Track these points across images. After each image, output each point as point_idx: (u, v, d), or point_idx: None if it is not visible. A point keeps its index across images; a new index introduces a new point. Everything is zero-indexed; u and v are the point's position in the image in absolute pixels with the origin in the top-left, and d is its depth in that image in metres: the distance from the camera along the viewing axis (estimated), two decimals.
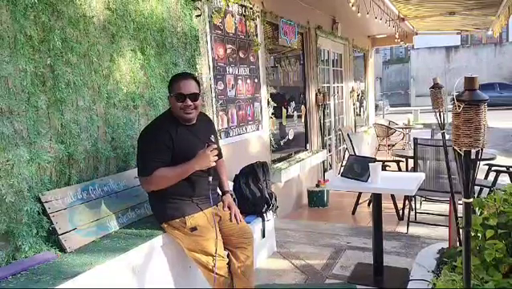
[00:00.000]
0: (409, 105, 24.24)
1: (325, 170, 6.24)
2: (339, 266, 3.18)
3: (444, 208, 4.30)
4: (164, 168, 2.13)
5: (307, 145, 5.91)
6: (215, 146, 2.18)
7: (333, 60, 7.04)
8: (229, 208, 2.46)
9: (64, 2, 2.18)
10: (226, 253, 2.33)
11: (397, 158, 5.28)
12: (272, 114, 4.65)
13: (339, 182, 3.03)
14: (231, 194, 2.57)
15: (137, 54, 2.70)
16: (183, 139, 2.22)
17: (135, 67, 2.68)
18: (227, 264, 2.29)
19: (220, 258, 2.23)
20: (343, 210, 5.07)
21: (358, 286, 2.82)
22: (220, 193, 2.52)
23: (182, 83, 2.23)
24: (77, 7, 2.27)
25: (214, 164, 2.17)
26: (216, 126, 3.51)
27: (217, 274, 2.21)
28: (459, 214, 2.36)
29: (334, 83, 7.06)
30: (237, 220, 2.44)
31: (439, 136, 3.83)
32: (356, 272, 3.05)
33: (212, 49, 3.60)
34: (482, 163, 4.02)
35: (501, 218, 1.74)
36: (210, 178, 2.20)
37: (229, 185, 2.68)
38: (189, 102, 2.20)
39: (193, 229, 2.20)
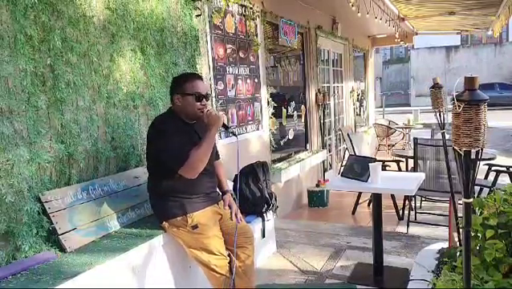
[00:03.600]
0: (409, 105, 24.25)
1: (325, 170, 6.24)
2: (339, 266, 3.18)
3: (444, 208, 4.31)
4: (192, 150, 2.13)
5: (307, 145, 5.91)
6: (210, 107, 2.30)
7: (333, 60, 7.04)
8: (230, 207, 2.47)
9: (64, 2, 2.18)
10: (227, 252, 2.33)
11: (397, 158, 5.29)
12: (272, 114, 4.65)
13: (339, 182, 3.03)
14: (231, 194, 2.57)
15: (137, 54, 2.70)
16: (191, 137, 2.25)
17: (135, 66, 2.68)
18: (228, 263, 2.29)
19: (221, 257, 2.24)
20: (343, 210, 5.07)
21: (358, 286, 2.83)
22: (220, 192, 2.53)
23: (198, 83, 2.28)
24: (77, 7, 2.27)
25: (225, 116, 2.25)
26: None
27: (218, 273, 2.21)
28: (459, 214, 2.36)
29: (334, 83, 7.06)
30: (237, 219, 2.45)
31: (439, 136, 3.83)
32: (356, 272, 3.05)
33: (212, 49, 3.60)
34: (482, 163, 4.02)
35: (501, 218, 1.73)
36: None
37: (230, 185, 2.69)
38: (205, 102, 2.27)
39: (195, 227, 2.21)
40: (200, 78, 2.34)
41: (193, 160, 2.11)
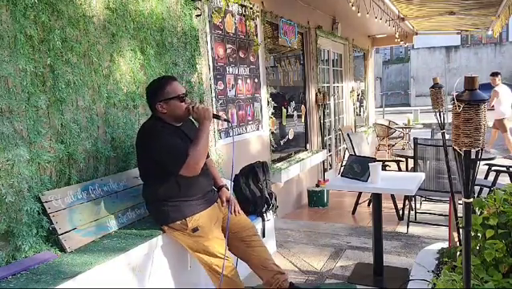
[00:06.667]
0: (409, 105, 24.24)
1: (325, 170, 6.24)
2: (339, 266, 3.18)
3: (445, 208, 4.31)
4: (191, 146, 2.13)
5: (307, 145, 5.91)
6: (190, 101, 2.30)
7: (333, 60, 7.04)
8: (228, 201, 2.47)
9: (64, 2, 2.18)
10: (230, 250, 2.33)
11: (397, 158, 5.28)
12: (272, 114, 4.65)
13: (339, 182, 3.03)
14: (227, 188, 2.57)
15: (137, 54, 2.70)
16: (183, 139, 2.24)
17: (135, 66, 2.68)
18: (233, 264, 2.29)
19: (223, 259, 2.23)
20: (343, 210, 5.07)
21: (358, 286, 2.83)
22: (216, 190, 2.52)
23: (175, 84, 2.26)
24: (77, 7, 2.27)
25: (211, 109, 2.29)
26: (216, 125, 3.52)
27: (220, 273, 2.20)
28: (459, 214, 2.36)
29: (334, 83, 7.06)
30: (235, 212, 2.44)
31: (439, 136, 3.83)
32: (356, 272, 3.05)
33: (212, 49, 3.60)
34: (482, 163, 4.02)
35: (501, 218, 1.74)
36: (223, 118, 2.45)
37: (229, 185, 2.69)
38: (188, 100, 2.28)
39: (195, 229, 2.20)
40: (175, 79, 2.32)
41: (193, 156, 2.09)
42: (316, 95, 5.99)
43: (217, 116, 2.38)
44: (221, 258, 2.21)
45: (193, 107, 2.23)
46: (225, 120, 2.52)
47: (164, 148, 2.14)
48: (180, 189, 2.20)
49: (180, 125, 2.31)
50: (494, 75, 8.36)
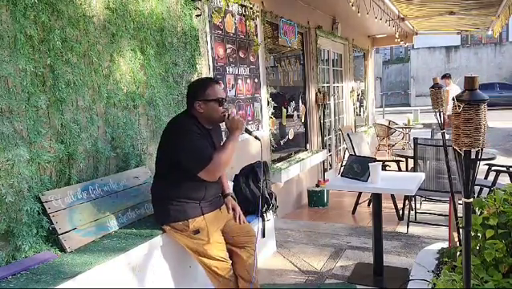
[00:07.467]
0: (409, 105, 24.24)
1: (325, 170, 6.24)
2: (339, 266, 3.18)
3: (445, 208, 4.31)
4: (215, 151, 2.14)
5: (307, 145, 5.91)
6: (230, 110, 2.29)
7: (333, 60, 7.04)
8: (234, 210, 2.47)
9: (64, 2, 2.18)
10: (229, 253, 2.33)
11: (397, 158, 5.28)
12: (272, 114, 4.65)
13: (339, 182, 3.03)
14: (232, 197, 2.58)
15: (137, 54, 2.70)
16: (209, 142, 2.25)
17: (135, 66, 2.68)
18: (231, 265, 2.29)
19: (223, 261, 2.23)
20: (343, 210, 5.07)
21: (358, 286, 2.83)
22: (221, 195, 2.52)
23: (217, 87, 2.27)
24: (77, 7, 2.27)
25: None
26: None
27: (220, 275, 2.21)
28: (459, 214, 2.36)
29: (334, 82, 7.06)
30: (240, 221, 2.45)
31: (439, 136, 3.83)
32: (356, 272, 3.05)
33: (212, 49, 3.60)
34: (482, 163, 4.02)
35: (501, 218, 1.74)
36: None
37: (230, 186, 2.69)
38: (226, 105, 2.30)
39: (196, 232, 2.20)
40: (217, 82, 2.35)
41: (215, 163, 2.09)
42: (316, 95, 5.99)
43: (248, 131, 2.35)
44: (220, 260, 2.22)
45: (229, 114, 2.24)
46: (255, 137, 2.42)
47: (192, 147, 2.12)
48: (189, 191, 2.20)
49: (210, 129, 2.31)
50: (445, 77, 9.16)
